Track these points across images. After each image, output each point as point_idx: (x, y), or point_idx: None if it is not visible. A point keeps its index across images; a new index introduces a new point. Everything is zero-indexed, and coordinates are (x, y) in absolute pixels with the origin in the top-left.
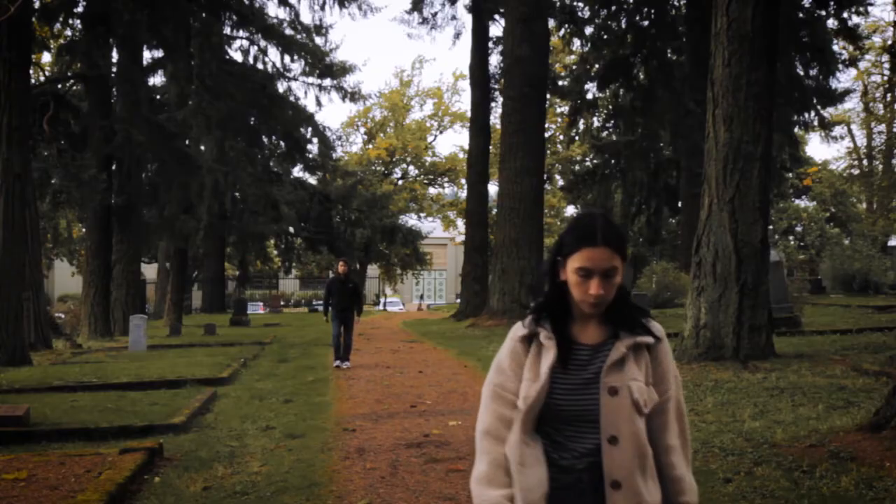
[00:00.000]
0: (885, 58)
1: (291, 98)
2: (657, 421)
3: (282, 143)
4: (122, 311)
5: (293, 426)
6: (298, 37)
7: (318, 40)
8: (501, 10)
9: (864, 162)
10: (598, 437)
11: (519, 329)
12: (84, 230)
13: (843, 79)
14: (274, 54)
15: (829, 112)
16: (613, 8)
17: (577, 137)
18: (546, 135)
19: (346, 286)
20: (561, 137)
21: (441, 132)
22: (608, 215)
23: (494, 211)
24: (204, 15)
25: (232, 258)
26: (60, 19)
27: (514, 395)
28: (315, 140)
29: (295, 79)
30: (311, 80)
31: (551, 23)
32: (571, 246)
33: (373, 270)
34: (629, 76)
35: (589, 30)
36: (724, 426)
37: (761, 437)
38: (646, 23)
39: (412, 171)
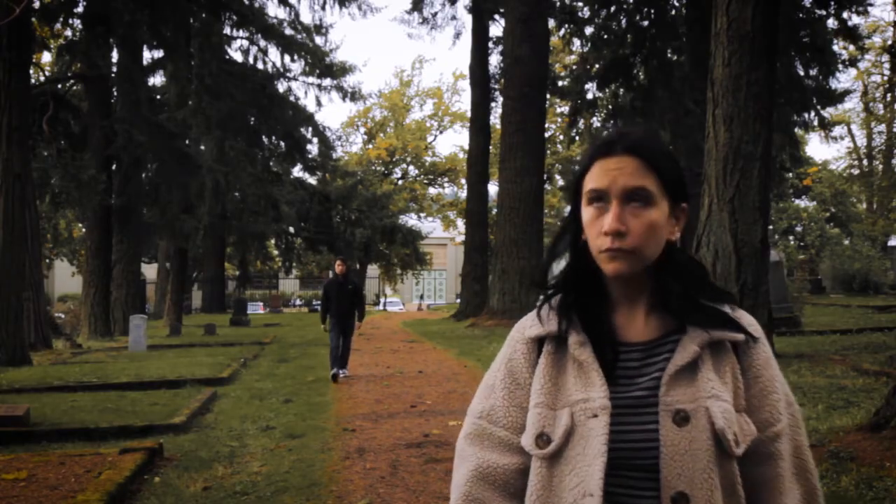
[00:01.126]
0: (885, 58)
1: (291, 98)
2: (759, 473)
3: (282, 143)
4: (122, 311)
5: (293, 426)
6: (298, 37)
7: (318, 40)
8: (501, 10)
9: (864, 162)
10: (657, 495)
11: (527, 325)
12: (84, 230)
13: (843, 79)
14: (274, 54)
15: (829, 112)
16: (613, 8)
17: (577, 137)
18: (546, 135)
19: (345, 288)
20: (561, 137)
21: (441, 132)
22: (650, 129)
23: (494, 211)
24: (204, 15)
25: (232, 258)
26: (60, 19)
27: (510, 431)
28: (315, 140)
29: (295, 79)
30: (311, 80)
31: (551, 23)
32: (584, 164)
33: (373, 270)
34: (629, 76)
35: (589, 30)
36: None
37: None
38: (646, 23)
39: (412, 171)
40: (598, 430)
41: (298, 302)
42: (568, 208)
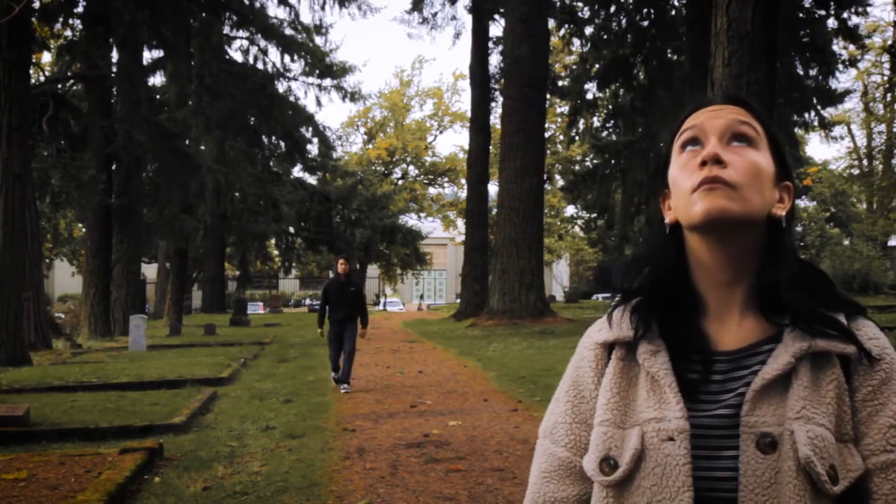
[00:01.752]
0: (885, 58)
1: (291, 98)
2: None
3: (282, 143)
4: (122, 311)
5: (293, 426)
6: (298, 37)
7: (318, 40)
8: (501, 10)
9: (864, 162)
10: None
11: (595, 329)
12: (84, 230)
13: (843, 79)
14: (274, 54)
15: (829, 112)
16: (613, 8)
17: (577, 137)
18: (546, 135)
19: (346, 289)
20: (561, 137)
21: (441, 132)
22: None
23: (494, 211)
24: (204, 15)
25: (232, 258)
26: (60, 19)
27: (572, 452)
28: (315, 140)
29: (295, 79)
30: (311, 80)
31: (551, 23)
32: (675, 127)
33: (373, 270)
34: (629, 76)
35: (589, 30)
36: None
37: None
38: (646, 23)
39: (412, 171)
40: (679, 459)
41: (308, 301)
42: (570, 208)
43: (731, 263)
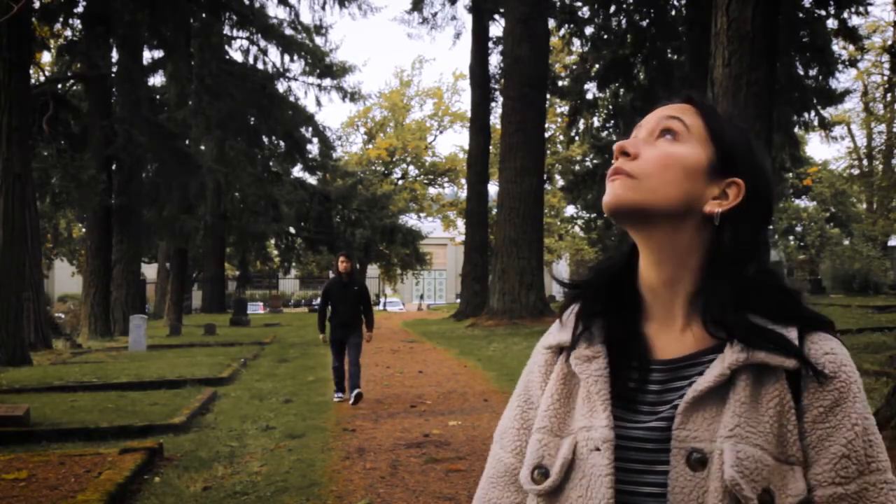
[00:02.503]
0: (885, 58)
1: (291, 98)
2: None
3: (282, 143)
4: (122, 311)
5: (293, 426)
6: (298, 37)
7: (318, 40)
8: (501, 10)
9: (864, 162)
10: None
11: (549, 332)
12: (84, 230)
13: (843, 79)
14: (274, 54)
15: (829, 112)
16: (613, 8)
17: (577, 137)
18: (546, 135)
19: (349, 290)
20: (561, 137)
21: (441, 132)
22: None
23: (494, 211)
24: (204, 15)
25: (232, 258)
26: (60, 19)
27: (518, 458)
28: (315, 140)
29: (295, 79)
30: (311, 80)
31: (551, 23)
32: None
33: (373, 270)
34: (629, 76)
35: (589, 30)
36: None
37: None
38: (646, 23)
39: (412, 171)
40: (602, 469)
41: (313, 302)
42: (570, 208)
43: (664, 264)
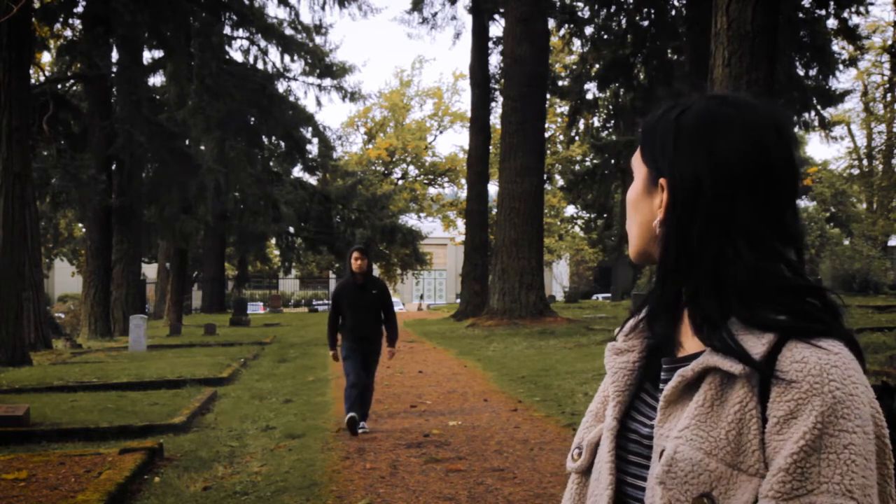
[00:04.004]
0: (885, 58)
1: (291, 98)
2: None
3: (282, 143)
4: (122, 311)
5: (293, 426)
6: (298, 37)
7: (318, 40)
8: (501, 10)
9: (864, 162)
10: None
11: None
12: (84, 230)
13: (843, 79)
14: (274, 54)
15: (829, 112)
16: (613, 8)
17: (577, 137)
18: (546, 135)
19: (365, 294)
20: (561, 137)
21: (441, 132)
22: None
23: (494, 211)
24: (204, 15)
25: (232, 258)
26: (60, 19)
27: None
28: (315, 140)
29: (295, 79)
30: (311, 80)
31: (551, 23)
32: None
33: (373, 271)
34: (629, 76)
35: (589, 30)
36: None
37: None
38: (646, 23)
39: (412, 171)
40: (604, 456)
41: (317, 302)
42: (570, 208)
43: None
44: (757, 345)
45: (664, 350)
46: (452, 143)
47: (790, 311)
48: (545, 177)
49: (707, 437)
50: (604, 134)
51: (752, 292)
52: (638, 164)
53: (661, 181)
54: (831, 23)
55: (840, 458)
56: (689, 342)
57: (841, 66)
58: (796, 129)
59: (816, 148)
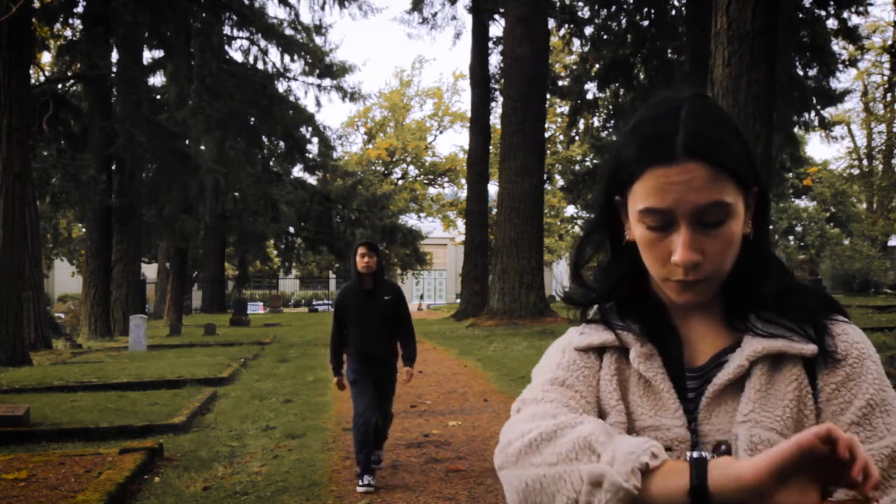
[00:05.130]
0: (885, 58)
1: (291, 98)
2: None
3: (282, 143)
4: (122, 311)
5: (293, 426)
6: (298, 37)
7: (318, 40)
8: (501, 10)
9: (864, 162)
10: None
11: (577, 334)
12: (84, 230)
13: (843, 79)
14: (274, 54)
15: (829, 112)
16: (613, 8)
17: (577, 137)
18: (546, 135)
19: (376, 300)
20: (561, 137)
21: (441, 132)
22: (705, 99)
23: (494, 211)
24: (204, 15)
25: (232, 258)
26: (60, 19)
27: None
28: (315, 140)
29: (295, 79)
30: (311, 80)
31: (551, 23)
32: (631, 165)
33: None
34: (629, 76)
35: (589, 30)
36: None
37: None
38: (646, 23)
39: (412, 171)
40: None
41: (318, 302)
42: (570, 208)
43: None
44: (802, 328)
45: (669, 352)
46: (452, 143)
47: (806, 299)
48: (545, 177)
49: (772, 416)
50: (604, 134)
51: (781, 285)
52: (735, 199)
53: (755, 189)
54: (831, 23)
55: (894, 408)
56: (694, 345)
57: (841, 66)
58: (796, 129)
59: (816, 148)
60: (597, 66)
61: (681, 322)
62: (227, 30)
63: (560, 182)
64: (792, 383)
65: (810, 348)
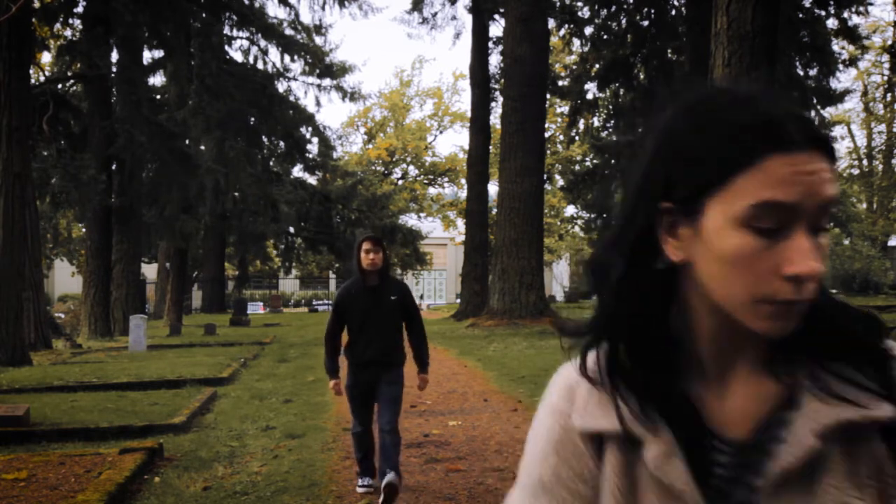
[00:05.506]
0: (885, 58)
1: (291, 98)
2: None
3: (282, 143)
4: (122, 311)
5: (293, 426)
6: (298, 37)
7: (318, 40)
8: (501, 10)
9: (864, 162)
10: None
11: (577, 407)
12: (84, 230)
13: (843, 79)
14: (274, 54)
15: (829, 112)
16: (613, 8)
17: (577, 137)
18: (546, 135)
19: (381, 299)
20: (561, 137)
21: (441, 132)
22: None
23: (494, 211)
24: (204, 15)
25: (232, 258)
26: (60, 19)
27: None
28: (315, 140)
29: (295, 79)
30: (311, 80)
31: (551, 23)
32: (740, 151)
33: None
34: (629, 76)
35: (589, 30)
36: None
37: None
38: (646, 23)
39: (412, 171)
40: None
41: (318, 302)
42: (570, 208)
43: (738, 336)
44: (864, 372)
45: (686, 426)
46: (452, 143)
47: (864, 337)
48: (545, 177)
49: (864, 497)
50: (604, 134)
51: (832, 321)
52: (834, 189)
53: None
54: (831, 23)
55: None
56: (728, 407)
57: (841, 66)
58: None
59: None
60: (597, 66)
61: (714, 375)
62: (227, 30)
63: (560, 182)
64: (870, 454)
65: (886, 411)
